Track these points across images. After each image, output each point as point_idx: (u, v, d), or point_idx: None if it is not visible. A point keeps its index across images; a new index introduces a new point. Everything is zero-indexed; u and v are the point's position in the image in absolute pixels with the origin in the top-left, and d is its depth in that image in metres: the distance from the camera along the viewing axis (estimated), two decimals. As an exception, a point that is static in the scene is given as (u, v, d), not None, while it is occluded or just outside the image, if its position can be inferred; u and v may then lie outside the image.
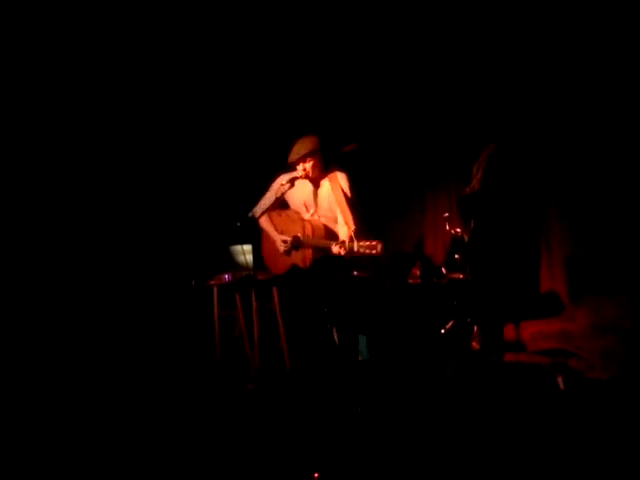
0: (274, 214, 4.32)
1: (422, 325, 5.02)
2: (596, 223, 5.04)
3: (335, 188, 4.10)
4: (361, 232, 3.97)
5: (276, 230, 4.28)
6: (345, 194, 4.08)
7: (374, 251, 3.69)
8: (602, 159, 4.97)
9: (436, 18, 5.37)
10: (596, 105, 4.94)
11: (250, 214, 4.19)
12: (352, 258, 4.05)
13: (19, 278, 4.89)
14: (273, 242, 4.30)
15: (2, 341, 4.63)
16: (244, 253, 4.55)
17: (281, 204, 4.31)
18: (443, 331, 4.91)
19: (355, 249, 3.73)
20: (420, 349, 4.90)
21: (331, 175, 4.16)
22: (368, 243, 3.71)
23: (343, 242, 3.80)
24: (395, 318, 5.06)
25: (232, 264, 4.70)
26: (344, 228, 3.98)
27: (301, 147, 4.08)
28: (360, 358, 4.76)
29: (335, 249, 3.83)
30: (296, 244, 4.14)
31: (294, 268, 4.19)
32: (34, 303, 4.88)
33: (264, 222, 4.34)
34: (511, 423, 3.41)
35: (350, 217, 3.98)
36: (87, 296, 5.13)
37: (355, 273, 4.68)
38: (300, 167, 4.10)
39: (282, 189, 4.14)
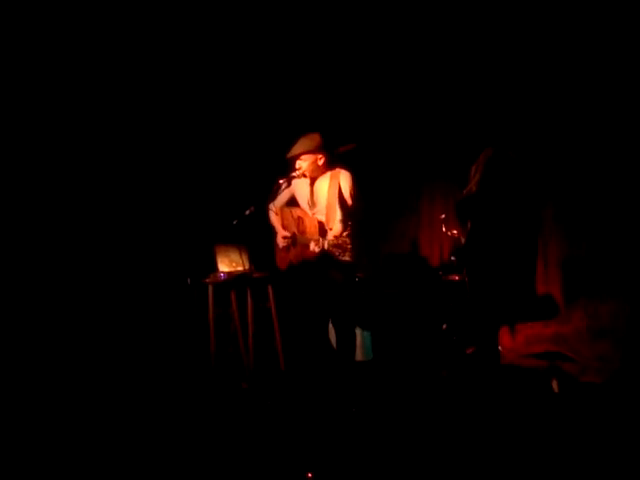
0: (285, 210, 4.28)
1: (418, 326, 5.02)
2: (592, 226, 5.05)
3: (332, 186, 4.06)
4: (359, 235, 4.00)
5: (282, 226, 4.26)
6: (341, 193, 4.06)
7: (339, 252, 3.76)
8: (598, 163, 4.98)
9: (437, 18, 5.37)
10: (593, 108, 4.96)
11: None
12: (354, 261, 4.04)
13: (16, 276, 4.89)
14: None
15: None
16: (240, 252, 4.56)
17: (293, 201, 4.29)
18: (439, 333, 4.91)
19: (325, 247, 3.76)
20: (416, 350, 4.90)
21: (334, 173, 4.09)
22: (339, 243, 3.75)
23: (318, 240, 3.81)
24: (392, 319, 5.05)
25: (221, 263, 4.70)
26: (336, 226, 3.97)
27: (298, 145, 4.06)
28: (364, 358, 4.75)
29: (311, 246, 3.83)
30: (293, 241, 4.13)
31: (291, 265, 4.18)
32: (31, 302, 4.87)
33: (273, 218, 4.31)
34: (505, 426, 3.41)
35: (335, 216, 3.95)
36: (82, 294, 5.11)
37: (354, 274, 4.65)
38: (297, 165, 4.09)
39: (282, 188, 4.14)
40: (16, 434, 3.53)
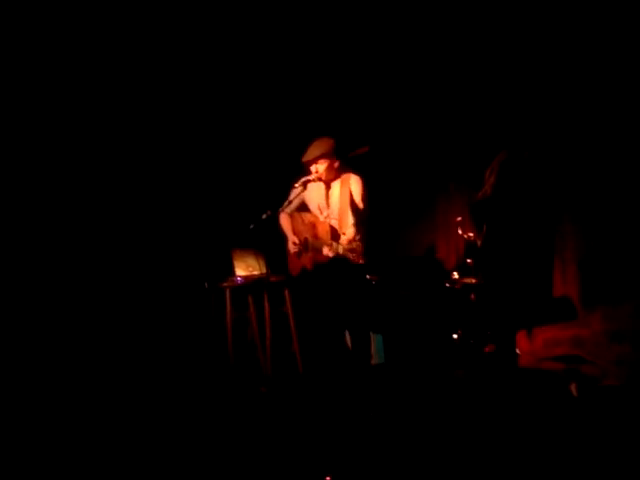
0: (295, 216, 4.30)
1: (434, 329, 5.01)
2: (609, 227, 5.00)
3: (344, 190, 4.09)
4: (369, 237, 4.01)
5: (293, 232, 4.28)
6: (352, 198, 4.08)
7: (353, 256, 3.79)
8: (615, 164, 4.94)
9: (451, 22, 5.37)
10: (611, 109, 4.92)
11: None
12: (366, 263, 4.05)
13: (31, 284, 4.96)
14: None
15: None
16: (257, 256, 4.59)
17: (303, 207, 4.31)
18: (455, 336, 4.90)
19: (340, 251, 3.80)
20: (432, 353, 4.89)
21: (345, 177, 4.14)
22: (353, 247, 3.80)
23: (331, 244, 3.85)
24: (407, 322, 5.05)
25: (238, 268, 4.73)
26: (349, 230, 3.99)
27: (314, 149, 4.08)
28: (376, 362, 4.75)
29: (325, 250, 3.88)
30: (305, 246, 4.14)
31: (304, 270, 4.19)
32: (49, 308, 4.93)
33: (284, 223, 4.32)
34: (524, 430, 3.40)
35: (347, 220, 3.99)
36: (100, 299, 5.16)
37: (367, 277, 4.66)
38: (313, 169, 4.11)
39: (295, 192, 4.16)
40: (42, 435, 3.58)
